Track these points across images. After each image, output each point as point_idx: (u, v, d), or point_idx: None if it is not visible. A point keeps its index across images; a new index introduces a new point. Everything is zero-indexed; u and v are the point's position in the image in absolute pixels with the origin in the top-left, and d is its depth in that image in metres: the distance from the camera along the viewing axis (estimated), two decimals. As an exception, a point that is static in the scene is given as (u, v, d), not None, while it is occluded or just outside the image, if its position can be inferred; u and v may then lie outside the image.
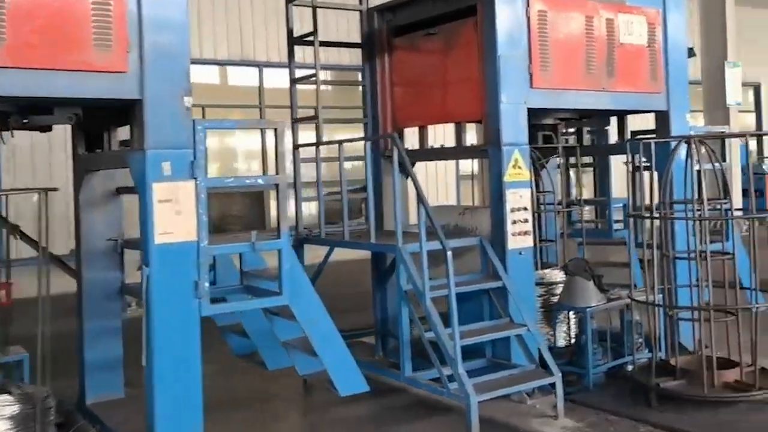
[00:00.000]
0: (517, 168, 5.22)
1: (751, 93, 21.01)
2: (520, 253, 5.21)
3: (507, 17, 5.19)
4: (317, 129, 5.75)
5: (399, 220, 4.92)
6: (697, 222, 5.18)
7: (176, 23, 3.90)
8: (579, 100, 5.62)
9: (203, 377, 3.95)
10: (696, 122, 18.30)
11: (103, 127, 4.75)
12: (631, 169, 6.05)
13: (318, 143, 5.67)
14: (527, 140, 5.29)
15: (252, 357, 5.25)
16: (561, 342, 5.81)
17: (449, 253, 4.51)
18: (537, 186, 6.84)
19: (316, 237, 5.74)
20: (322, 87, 5.88)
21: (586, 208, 7.22)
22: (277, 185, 4.20)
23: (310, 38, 5.95)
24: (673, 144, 5.26)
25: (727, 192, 5.51)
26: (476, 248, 5.31)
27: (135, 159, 3.90)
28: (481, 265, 5.28)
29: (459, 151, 5.88)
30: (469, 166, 14.73)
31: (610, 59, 5.71)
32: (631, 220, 6.00)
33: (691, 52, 16.62)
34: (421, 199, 4.70)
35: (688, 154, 5.16)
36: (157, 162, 3.81)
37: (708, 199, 5.16)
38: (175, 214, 3.83)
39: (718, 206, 5.52)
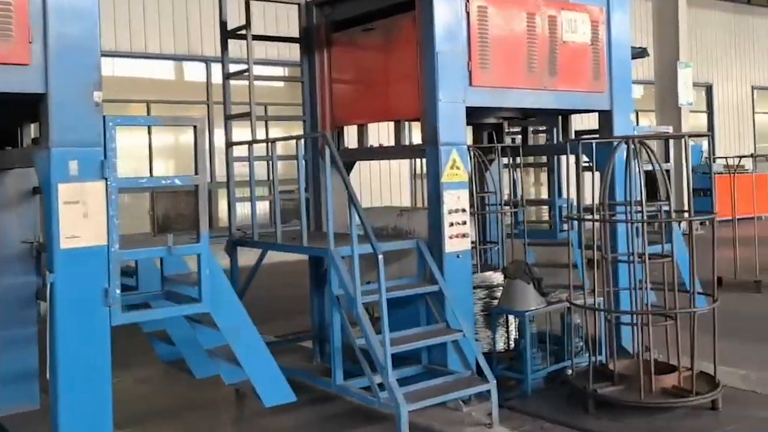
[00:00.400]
0: (455, 168, 5.06)
1: (703, 93, 21.23)
2: (458, 256, 5.06)
3: (445, 12, 5.03)
4: (251, 126, 5.52)
5: (330, 222, 4.72)
6: (638, 224, 5.10)
7: (85, 12, 3.65)
8: (520, 99, 5.48)
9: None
10: (650, 122, 18.51)
11: (15, 124, 4.48)
12: (574, 169, 5.94)
13: (251, 141, 5.45)
14: (466, 140, 5.15)
15: (180, 364, 5.02)
16: (501, 346, 5.68)
17: (380, 257, 4.34)
18: (481, 186, 6.74)
19: (249, 239, 5.53)
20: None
21: (544, 208, 7.13)
22: (197, 186, 3.99)
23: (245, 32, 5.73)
24: (614, 144, 5.15)
25: (667, 193, 5.45)
26: (415, 251, 5.15)
27: (40, 158, 3.65)
28: (418, 268, 5.12)
29: (398, 151, 5.71)
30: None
31: (552, 57, 5.59)
32: (575, 221, 5.90)
33: (644, 53, 16.76)
34: (352, 200, 4.52)
35: (628, 155, 5.07)
36: (62, 161, 3.57)
37: (647, 201, 5.07)
38: (83, 217, 3.59)
39: (660, 208, 5.45)
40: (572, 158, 5.84)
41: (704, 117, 21.37)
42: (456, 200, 5.06)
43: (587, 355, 5.52)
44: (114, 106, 11.09)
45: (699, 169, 14.84)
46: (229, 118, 5.77)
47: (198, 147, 3.94)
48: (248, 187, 5.41)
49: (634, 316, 5.10)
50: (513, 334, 5.69)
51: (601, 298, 5.26)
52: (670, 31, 15.92)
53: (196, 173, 3.97)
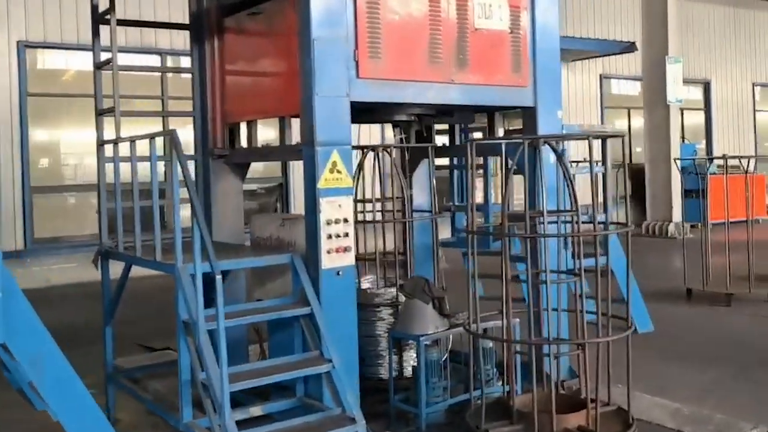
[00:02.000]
0: (335, 172, 4.41)
1: (700, 90, 20.42)
2: (338, 273, 4.41)
3: (326, -8, 4.37)
4: (116, 123, 4.88)
5: (178, 233, 4.06)
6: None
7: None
8: (420, 93, 4.81)
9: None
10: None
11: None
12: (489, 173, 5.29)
13: (117, 140, 4.82)
14: (350, 139, 4.49)
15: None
16: (405, 372, 5.05)
17: (219, 277, 3.69)
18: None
19: (114, 250, 4.91)
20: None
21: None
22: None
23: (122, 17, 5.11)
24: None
25: (597, 200, 4.77)
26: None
27: None
28: (293, 286, 4.48)
29: (282, 151, 5.07)
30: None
31: (461, 47, 4.92)
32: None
33: (632, 47, 16.01)
34: (193, 209, 3.86)
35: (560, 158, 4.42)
36: None
37: (552, 211, 4.41)
38: None
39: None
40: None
41: (701, 115, 20.57)
42: (336, 209, 4.41)
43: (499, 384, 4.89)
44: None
45: (691, 169, 14.09)
46: (100, 113, 5.14)
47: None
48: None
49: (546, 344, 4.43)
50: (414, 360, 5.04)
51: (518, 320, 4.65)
52: (658, 24, 15.16)
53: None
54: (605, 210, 4.63)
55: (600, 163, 4.83)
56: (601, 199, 4.57)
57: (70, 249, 11.17)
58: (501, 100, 5.23)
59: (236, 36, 5.27)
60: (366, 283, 5.63)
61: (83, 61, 10.52)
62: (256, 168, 10.90)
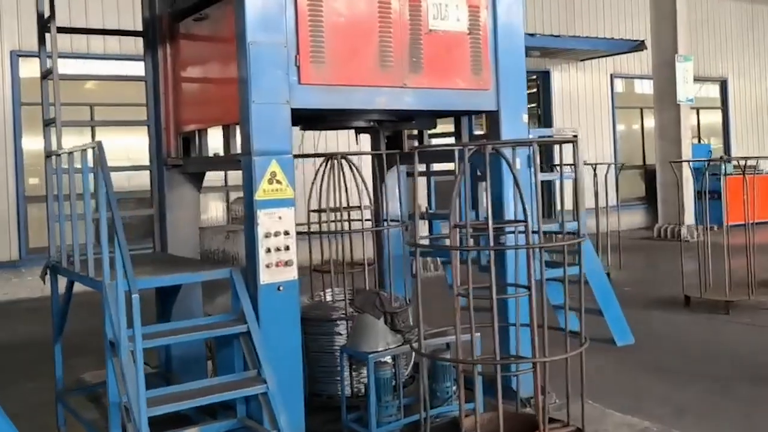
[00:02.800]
0: (275, 183, 4.21)
1: (717, 89, 19.94)
2: (279, 289, 4.21)
3: (262, -6, 4.18)
4: (57, 133, 4.73)
5: (105, 248, 3.87)
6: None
7: None
8: (369, 99, 4.59)
9: None
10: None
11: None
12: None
13: (54, 153, 4.67)
14: (291, 148, 4.29)
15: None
16: (353, 391, 4.84)
17: (135, 296, 3.50)
18: (376, 198, 5.91)
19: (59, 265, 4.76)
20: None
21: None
22: None
23: (77, 25, 4.96)
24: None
25: (551, 209, 4.52)
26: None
27: None
28: (233, 303, 4.29)
29: (224, 161, 4.88)
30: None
31: (414, 50, 4.70)
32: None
33: (641, 46, 15.63)
34: (114, 224, 3.68)
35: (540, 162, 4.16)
36: None
37: (500, 223, 4.16)
38: None
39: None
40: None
41: (719, 114, 20.09)
42: (276, 221, 4.21)
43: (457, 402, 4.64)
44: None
45: (704, 171, 13.69)
46: (47, 124, 5.00)
47: None
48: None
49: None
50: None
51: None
52: (667, 22, 14.79)
53: None
54: (577, 218, 4.36)
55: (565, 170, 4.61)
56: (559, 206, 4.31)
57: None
58: (460, 105, 4.99)
59: (185, 42, 5.11)
60: (329, 296, 5.43)
61: (75, 69, 10.41)
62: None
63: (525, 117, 5.15)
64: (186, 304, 5.06)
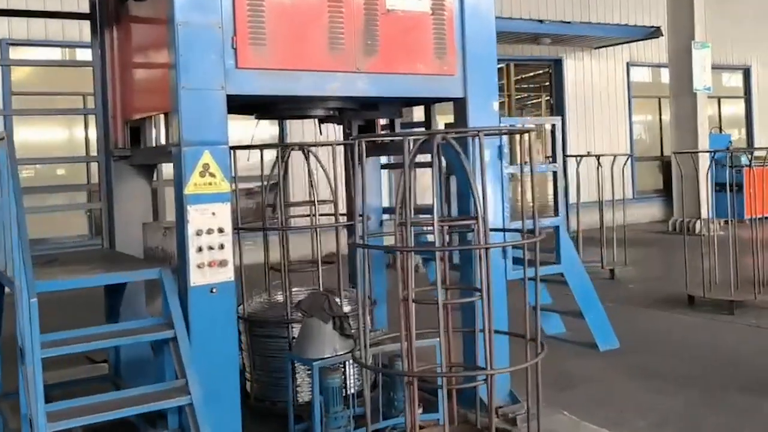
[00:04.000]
0: (207, 176, 3.88)
1: (740, 77, 19.26)
2: (212, 291, 3.88)
3: (192, -30, 3.83)
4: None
5: (15, 245, 3.56)
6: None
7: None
8: (317, 84, 4.23)
9: None
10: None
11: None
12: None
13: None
14: (226, 138, 3.95)
15: None
16: (305, 399, 4.53)
17: (33, 300, 3.20)
18: (348, 191, 5.58)
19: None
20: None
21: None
22: None
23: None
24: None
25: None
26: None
27: None
28: (163, 305, 3.97)
29: (155, 153, 4.56)
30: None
31: (369, 32, 4.33)
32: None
33: (657, 32, 15.05)
34: (18, 222, 3.37)
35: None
36: None
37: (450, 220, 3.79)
38: None
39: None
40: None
41: (742, 103, 19.41)
42: (209, 217, 3.88)
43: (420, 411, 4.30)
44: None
45: (725, 162, 13.15)
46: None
47: None
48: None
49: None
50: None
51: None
52: (684, 8, 14.20)
53: None
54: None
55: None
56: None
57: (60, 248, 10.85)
58: (423, 91, 4.62)
59: (128, 25, 4.79)
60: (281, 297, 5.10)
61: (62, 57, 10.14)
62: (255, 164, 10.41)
63: (495, 105, 4.78)
64: (132, 304, 4.77)
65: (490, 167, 4.77)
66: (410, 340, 3.52)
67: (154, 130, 4.64)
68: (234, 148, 4.88)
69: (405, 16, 4.45)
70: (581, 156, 10.71)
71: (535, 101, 23.98)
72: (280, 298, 5.06)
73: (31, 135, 11.38)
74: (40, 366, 3.20)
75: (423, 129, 5.37)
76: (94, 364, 5.84)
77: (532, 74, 19.55)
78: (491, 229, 4.17)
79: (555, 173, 5.27)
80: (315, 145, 5.00)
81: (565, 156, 14.08)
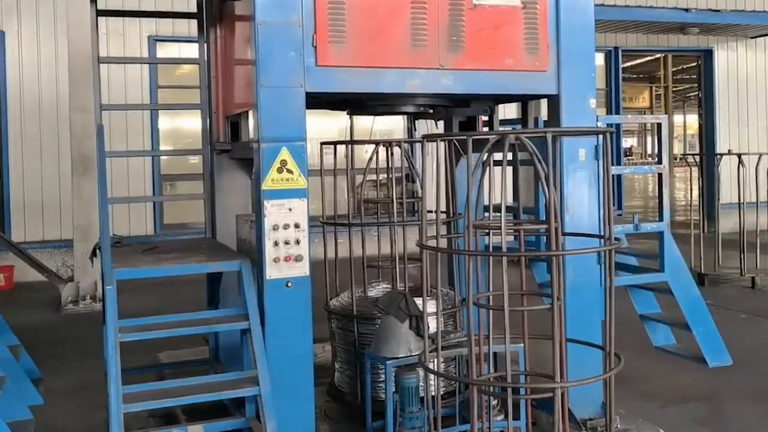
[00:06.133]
0: (284, 172, 3.96)
1: None
2: (288, 285, 3.96)
3: (275, -30, 3.90)
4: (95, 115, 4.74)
5: (105, 236, 3.79)
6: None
7: None
8: (399, 82, 4.18)
9: None
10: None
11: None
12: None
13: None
14: (304, 134, 4.00)
15: None
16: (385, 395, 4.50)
17: (109, 288, 3.39)
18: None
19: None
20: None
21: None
22: None
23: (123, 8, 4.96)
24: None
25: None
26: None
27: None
28: (241, 297, 4.09)
29: (239, 148, 4.68)
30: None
31: (454, 27, 4.24)
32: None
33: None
34: (101, 213, 3.58)
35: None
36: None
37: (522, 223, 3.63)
38: None
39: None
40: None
41: None
42: (286, 213, 3.96)
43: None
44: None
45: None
46: (105, 108, 5.04)
47: None
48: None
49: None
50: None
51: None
52: None
53: None
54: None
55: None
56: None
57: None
58: (511, 88, 4.47)
59: (228, 24, 4.95)
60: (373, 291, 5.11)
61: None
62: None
63: (592, 102, 4.55)
64: (230, 292, 4.94)
65: (586, 167, 4.57)
66: (471, 345, 3.43)
67: (248, 126, 4.79)
68: (326, 143, 4.97)
69: (493, 11, 4.32)
70: (722, 154, 10.02)
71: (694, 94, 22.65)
72: (373, 293, 5.08)
73: (185, 124, 12.08)
74: (115, 350, 3.39)
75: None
76: (202, 347, 6.14)
77: (693, 64, 18.49)
78: (568, 234, 4.00)
79: (660, 175, 4.95)
80: (381, 142, 4.93)
81: (705, 154, 13.26)
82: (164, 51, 11.56)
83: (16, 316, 8.12)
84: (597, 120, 4.62)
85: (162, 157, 11.54)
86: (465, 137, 3.34)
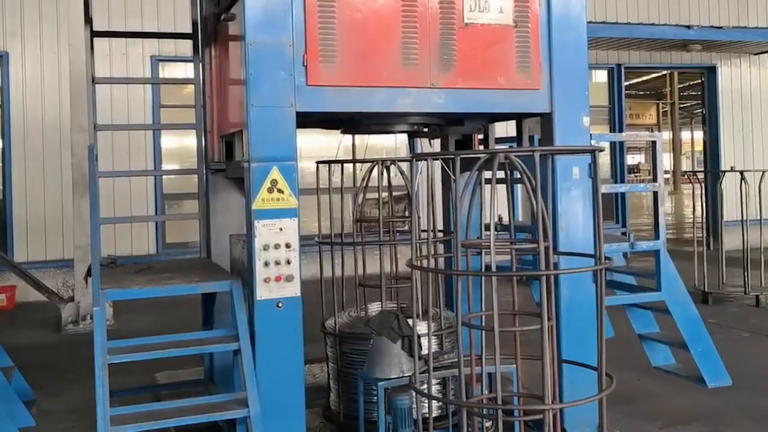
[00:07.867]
0: (275, 191, 3.95)
1: None
2: (278, 306, 3.94)
3: (262, -11, 3.91)
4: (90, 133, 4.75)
5: (95, 256, 3.79)
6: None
7: None
8: (392, 101, 4.18)
9: None
10: None
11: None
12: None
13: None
14: (294, 155, 4.00)
15: None
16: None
17: (97, 309, 3.37)
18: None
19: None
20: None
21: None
22: None
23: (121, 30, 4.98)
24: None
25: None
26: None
27: None
28: (231, 317, 4.07)
29: (232, 168, 4.67)
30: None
31: (445, 46, 4.24)
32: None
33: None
34: (91, 233, 3.57)
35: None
36: None
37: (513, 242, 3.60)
38: None
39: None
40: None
41: None
42: (276, 233, 3.94)
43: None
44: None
45: None
46: (99, 129, 5.05)
47: None
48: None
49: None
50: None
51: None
52: None
53: None
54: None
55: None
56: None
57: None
58: (504, 106, 4.45)
59: (222, 44, 4.96)
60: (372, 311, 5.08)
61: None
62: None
63: (586, 120, 4.53)
64: (223, 312, 4.92)
65: (580, 185, 4.54)
66: (461, 366, 3.40)
67: (242, 145, 4.78)
68: (328, 161, 4.96)
69: (485, 29, 4.32)
70: (724, 171, 9.97)
71: (700, 110, 22.67)
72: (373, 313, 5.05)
73: (190, 143, 12.06)
74: (102, 371, 3.36)
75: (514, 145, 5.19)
76: (200, 367, 6.10)
77: (699, 81, 18.47)
78: (562, 253, 3.97)
79: (656, 193, 4.92)
80: (376, 161, 4.93)
81: (708, 171, 13.21)
82: (168, 71, 11.62)
83: (17, 336, 8.14)
84: (591, 138, 4.59)
85: (167, 177, 11.57)
86: (452, 156, 3.32)
